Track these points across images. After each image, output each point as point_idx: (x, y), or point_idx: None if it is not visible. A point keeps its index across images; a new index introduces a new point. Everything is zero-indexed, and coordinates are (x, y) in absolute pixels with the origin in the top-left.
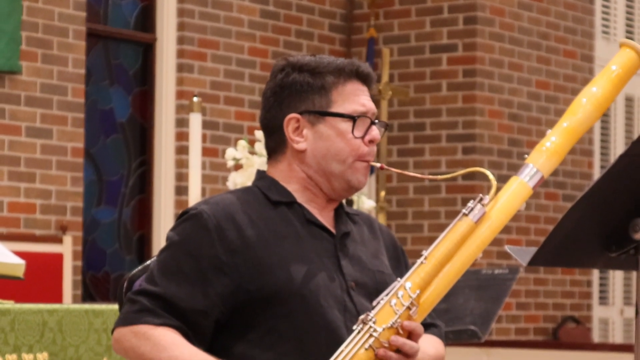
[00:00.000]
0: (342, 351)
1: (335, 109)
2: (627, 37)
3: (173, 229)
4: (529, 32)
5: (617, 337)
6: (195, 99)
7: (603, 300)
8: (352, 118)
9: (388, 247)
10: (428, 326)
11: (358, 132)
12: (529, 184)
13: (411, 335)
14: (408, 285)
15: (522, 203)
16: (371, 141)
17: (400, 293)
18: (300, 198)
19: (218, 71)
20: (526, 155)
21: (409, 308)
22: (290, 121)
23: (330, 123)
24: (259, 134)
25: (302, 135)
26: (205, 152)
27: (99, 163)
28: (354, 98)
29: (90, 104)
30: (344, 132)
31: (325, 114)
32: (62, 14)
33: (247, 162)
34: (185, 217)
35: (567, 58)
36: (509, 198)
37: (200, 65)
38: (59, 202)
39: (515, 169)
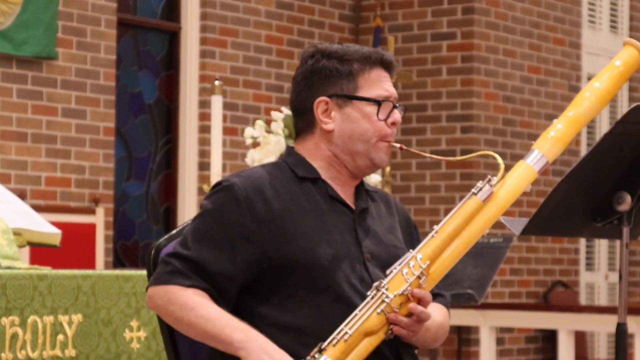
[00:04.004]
0: (355, 314)
1: (361, 93)
2: (612, 27)
3: (207, 198)
4: (522, 22)
5: (602, 300)
6: (216, 82)
7: (589, 266)
8: (377, 102)
9: (402, 223)
10: (435, 296)
11: (382, 115)
12: (534, 167)
13: (420, 302)
14: (419, 256)
15: (528, 185)
16: (393, 123)
17: (411, 263)
18: (324, 174)
19: (237, 57)
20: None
21: (419, 277)
22: (320, 103)
23: (357, 106)
24: (275, 115)
25: (330, 117)
26: (226, 131)
27: (128, 141)
28: (379, 84)
29: (121, 87)
30: (369, 115)
31: (352, 97)
32: (95, 4)
33: (264, 140)
34: (219, 188)
35: (556, 45)
36: (515, 180)
37: (221, 51)
38: (92, 176)
39: (509, 146)
